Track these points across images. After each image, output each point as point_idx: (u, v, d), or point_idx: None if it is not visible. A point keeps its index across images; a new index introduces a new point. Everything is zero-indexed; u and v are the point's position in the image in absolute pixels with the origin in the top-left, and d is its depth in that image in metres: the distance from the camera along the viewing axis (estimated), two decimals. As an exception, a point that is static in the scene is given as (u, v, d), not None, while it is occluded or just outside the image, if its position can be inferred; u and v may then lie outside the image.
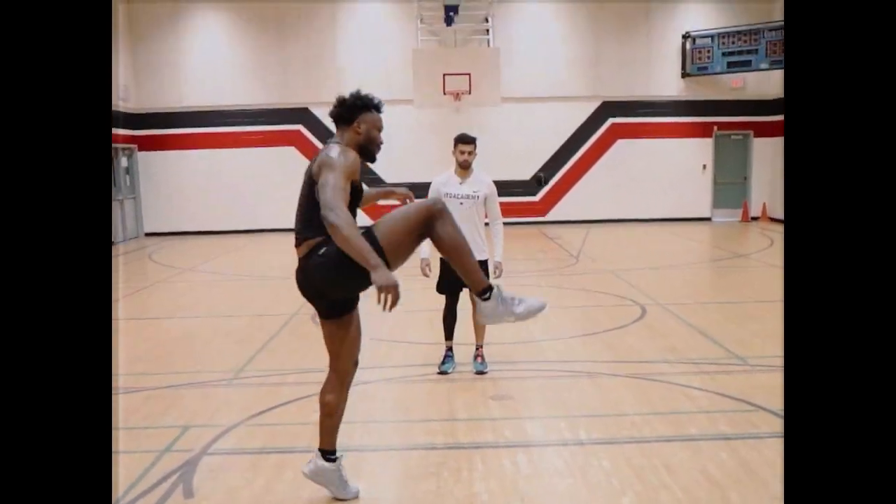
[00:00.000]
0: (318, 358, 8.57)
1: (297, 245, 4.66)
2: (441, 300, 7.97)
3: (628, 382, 7.45)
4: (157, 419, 6.69)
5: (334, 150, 4.54)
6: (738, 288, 12.76)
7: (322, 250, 4.52)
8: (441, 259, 7.77)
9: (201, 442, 6.06)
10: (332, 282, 4.60)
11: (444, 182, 7.72)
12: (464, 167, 7.66)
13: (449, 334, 7.97)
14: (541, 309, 4.78)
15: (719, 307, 11.07)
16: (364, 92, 4.85)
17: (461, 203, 7.58)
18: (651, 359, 8.30)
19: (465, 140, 7.66)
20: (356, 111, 4.77)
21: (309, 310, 11.25)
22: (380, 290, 4.18)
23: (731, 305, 11.16)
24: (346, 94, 4.85)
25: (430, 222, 4.61)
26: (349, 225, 4.25)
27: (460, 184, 7.68)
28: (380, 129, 4.84)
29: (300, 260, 4.67)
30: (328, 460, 5.06)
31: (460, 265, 4.72)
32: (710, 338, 9.13)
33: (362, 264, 4.23)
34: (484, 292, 4.73)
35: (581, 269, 15.20)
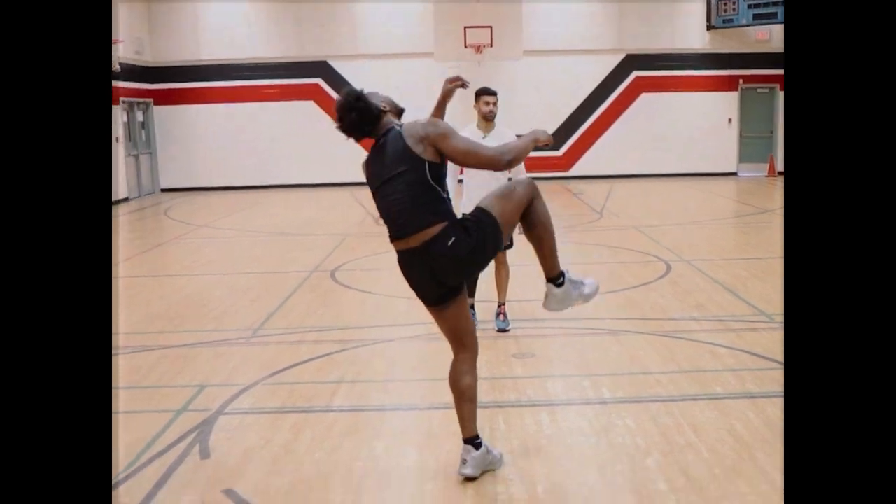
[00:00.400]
0: (337, 316, 8.51)
1: (410, 234, 4.42)
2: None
3: (653, 340, 7.32)
4: (173, 378, 6.62)
5: (426, 123, 4.60)
6: (764, 244, 12.56)
7: (452, 238, 4.37)
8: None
9: (218, 401, 5.98)
10: (465, 266, 4.55)
11: (467, 136, 7.55)
12: (488, 119, 7.52)
13: (471, 291, 7.84)
14: (598, 288, 4.99)
15: (745, 263, 10.88)
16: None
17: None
18: (676, 316, 8.16)
19: (488, 92, 7.55)
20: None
21: (329, 266, 11.16)
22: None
23: (757, 262, 10.97)
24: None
25: (533, 200, 4.66)
26: (516, 149, 4.57)
27: (483, 137, 7.53)
28: None
29: (418, 248, 4.43)
30: (477, 447, 4.67)
31: (544, 246, 4.80)
32: (737, 294, 8.96)
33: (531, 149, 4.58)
34: (557, 278, 4.81)
35: (605, 224, 15.04)
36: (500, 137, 7.52)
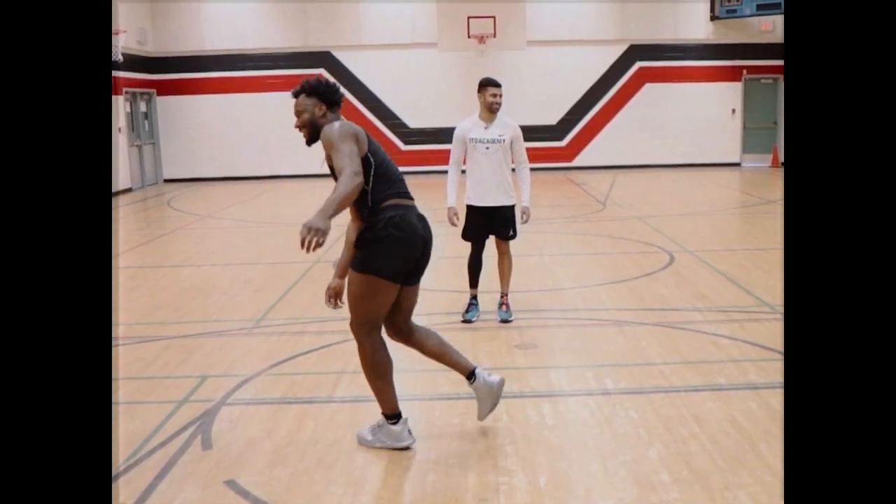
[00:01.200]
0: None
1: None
2: (467, 247, 7.82)
3: (656, 331, 7.30)
4: (175, 369, 6.61)
5: (328, 129, 4.67)
6: (767, 234, 12.51)
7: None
8: (468, 206, 7.63)
9: (220, 392, 5.98)
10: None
11: (469, 128, 7.56)
12: (493, 111, 7.48)
13: (474, 282, 7.83)
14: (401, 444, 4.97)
15: (749, 254, 10.86)
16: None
17: (487, 148, 7.46)
18: (679, 307, 8.14)
19: (493, 83, 7.48)
20: None
21: (331, 256, 11.14)
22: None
23: (760, 252, 10.94)
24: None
25: (364, 336, 4.84)
26: (339, 192, 4.40)
27: (486, 128, 7.51)
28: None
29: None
30: (470, 378, 5.12)
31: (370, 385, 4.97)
32: (740, 285, 8.94)
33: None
34: (390, 418, 4.95)
35: (608, 215, 15.01)
36: (503, 128, 7.51)
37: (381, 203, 4.71)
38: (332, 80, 4.97)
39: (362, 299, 4.75)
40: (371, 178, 4.68)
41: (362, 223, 4.78)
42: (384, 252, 4.68)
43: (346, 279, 4.89)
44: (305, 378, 6.30)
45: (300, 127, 4.87)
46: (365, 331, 4.81)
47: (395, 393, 4.95)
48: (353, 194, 4.37)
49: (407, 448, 4.92)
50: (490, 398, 5.09)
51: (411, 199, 4.89)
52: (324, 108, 4.82)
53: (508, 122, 7.59)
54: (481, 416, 5.15)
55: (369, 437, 4.99)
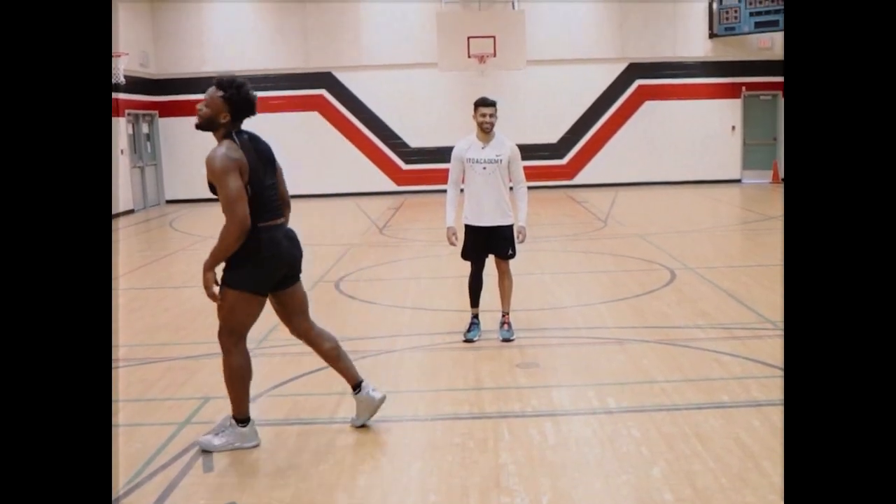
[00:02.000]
0: (341, 327, 8.47)
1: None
2: (467, 266, 7.82)
3: (658, 349, 7.29)
4: (177, 390, 6.60)
5: (211, 157, 5.08)
6: (768, 251, 12.50)
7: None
8: (466, 226, 7.64)
9: (222, 413, 5.95)
10: None
11: (466, 148, 7.58)
12: (485, 130, 7.49)
13: (475, 301, 7.82)
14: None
15: (750, 271, 10.85)
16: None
17: (484, 168, 7.47)
18: (681, 324, 8.13)
19: (485, 103, 7.49)
20: None
21: (333, 276, 11.14)
22: None
23: (762, 269, 10.93)
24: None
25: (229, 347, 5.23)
26: (221, 240, 5.14)
27: (483, 148, 7.52)
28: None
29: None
30: (355, 389, 5.58)
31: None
32: (742, 302, 8.93)
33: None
34: (240, 421, 5.31)
35: (609, 233, 15.01)
36: (500, 148, 7.52)
37: (255, 226, 5.00)
38: (253, 95, 5.28)
39: (231, 312, 5.14)
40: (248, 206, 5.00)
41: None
42: (250, 270, 5.07)
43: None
44: (307, 399, 6.29)
45: (198, 116, 5.15)
46: (233, 341, 5.20)
47: (249, 398, 5.34)
48: (237, 243, 4.90)
49: (256, 446, 5.29)
50: (368, 411, 5.56)
51: (282, 217, 5.30)
52: (229, 116, 5.00)
53: (505, 142, 7.60)
54: (354, 424, 5.60)
55: (217, 442, 5.26)
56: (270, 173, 5.23)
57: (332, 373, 6.39)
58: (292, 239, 5.31)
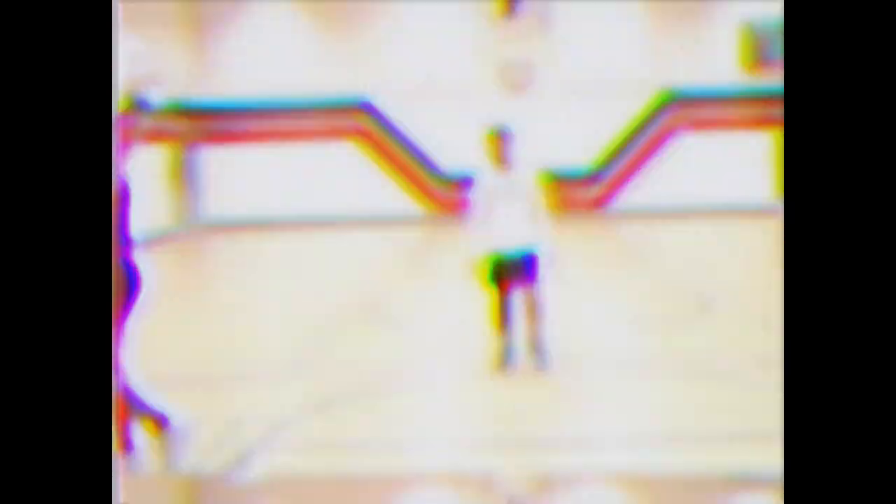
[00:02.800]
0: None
1: None
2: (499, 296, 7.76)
3: (691, 379, 7.23)
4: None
5: None
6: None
7: None
8: (491, 255, 7.55)
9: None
10: None
11: (489, 176, 7.62)
12: (502, 160, 7.51)
13: (504, 329, 7.75)
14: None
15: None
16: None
17: (507, 196, 7.48)
18: (716, 354, 8.04)
19: (502, 132, 7.54)
20: None
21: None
22: None
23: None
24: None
25: None
26: None
27: (505, 177, 7.54)
28: None
29: None
30: None
31: None
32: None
33: None
34: None
35: (642, 261, 14.96)
36: (522, 177, 7.52)
37: None
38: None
39: None
40: None
41: None
42: None
43: None
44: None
45: None
46: None
47: None
48: None
49: None
50: None
51: None
52: None
53: (528, 172, 7.63)
54: None
55: None
56: None
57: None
58: None
